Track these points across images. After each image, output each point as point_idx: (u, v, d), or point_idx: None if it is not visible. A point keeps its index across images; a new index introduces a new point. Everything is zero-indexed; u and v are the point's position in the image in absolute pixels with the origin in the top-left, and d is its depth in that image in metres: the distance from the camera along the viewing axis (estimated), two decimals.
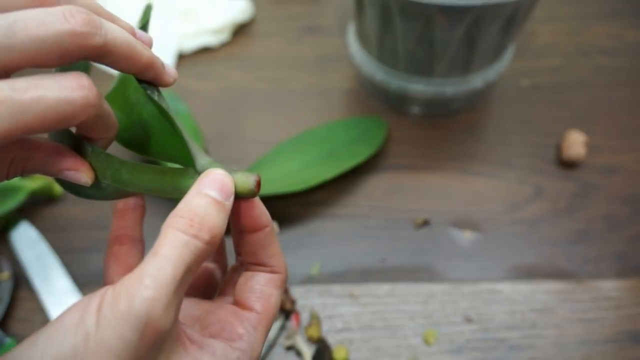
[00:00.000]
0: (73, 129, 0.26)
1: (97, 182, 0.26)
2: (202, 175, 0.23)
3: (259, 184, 0.25)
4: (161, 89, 0.26)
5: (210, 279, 0.34)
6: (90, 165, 0.25)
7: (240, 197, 0.25)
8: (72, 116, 0.20)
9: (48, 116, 0.19)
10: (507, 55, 0.56)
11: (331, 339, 0.44)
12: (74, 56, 0.20)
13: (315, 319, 0.45)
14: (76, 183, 0.25)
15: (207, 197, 0.22)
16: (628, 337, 0.44)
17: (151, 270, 0.19)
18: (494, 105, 0.61)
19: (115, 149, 0.29)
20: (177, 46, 0.65)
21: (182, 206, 0.22)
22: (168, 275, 0.19)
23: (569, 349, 0.44)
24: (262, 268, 0.27)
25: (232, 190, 0.23)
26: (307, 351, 0.43)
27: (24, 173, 0.24)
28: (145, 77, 0.24)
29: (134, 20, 0.66)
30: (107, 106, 0.24)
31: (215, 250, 0.23)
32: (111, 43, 0.21)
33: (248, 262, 0.27)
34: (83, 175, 0.25)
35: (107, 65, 0.22)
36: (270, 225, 0.27)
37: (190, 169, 0.25)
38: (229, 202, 0.23)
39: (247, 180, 0.24)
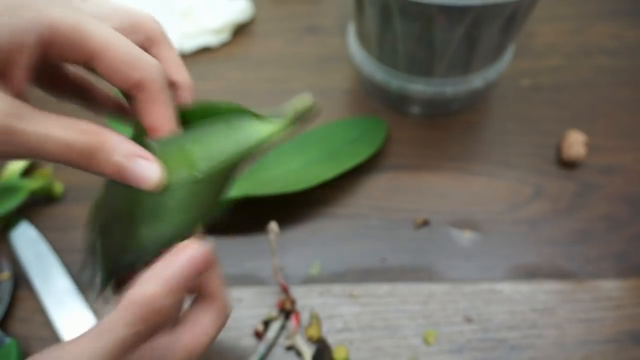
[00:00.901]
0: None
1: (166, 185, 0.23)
2: (177, 250, 0.22)
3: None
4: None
5: None
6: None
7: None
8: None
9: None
10: (507, 55, 0.56)
11: (331, 339, 0.44)
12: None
13: (315, 319, 0.45)
14: (142, 185, 0.22)
15: (171, 293, 0.22)
16: (628, 337, 0.44)
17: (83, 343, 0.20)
18: (494, 105, 0.61)
19: None
20: (177, 46, 0.65)
21: (139, 297, 0.21)
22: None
23: (570, 349, 0.44)
24: (204, 299, 0.26)
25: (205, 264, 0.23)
26: (307, 351, 0.43)
27: None
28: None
29: None
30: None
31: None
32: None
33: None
34: (155, 167, 0.22)
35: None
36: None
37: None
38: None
39: (302, 100, 0.25)
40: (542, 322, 0.45)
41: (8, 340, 0.42)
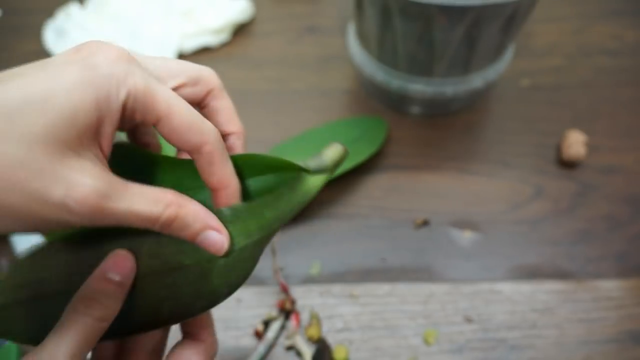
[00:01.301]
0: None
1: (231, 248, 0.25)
2: (107, 257, 0.24)
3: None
4: None
5: None
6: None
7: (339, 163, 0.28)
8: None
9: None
10: (507, 55, 0.56)
11: (331, 339, 0.44)
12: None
13: (315, 319, 0.45)
14: (211, 251, 0.24)
15: (107, 281, 0.24)
16: (629, 337, 0.44)
17: (48, 346, 0.22)
18: (494, 105, 0.61)
19: None
20: (177, 46, 0.65)
21: (84, 290, 0.24)
22: (62, 350, 0.22)
23: (570, 349, 0.44)
24: (190, 338, 0.28)
25: (130, 270, 0.24)
26: (307, 351, 0.43)
27: None
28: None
29: (134, 23, 0.66)
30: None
31: (109, 324, 0.24)
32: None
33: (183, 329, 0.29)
34: (224, 239, 0.25)
35: None
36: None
37: (301, 173, 0.27)
38: (127, 281, 0.24)
39: (336, 150, 0.28)
40: (542, 322, 0.45)
41: (8, 341, 0.42)
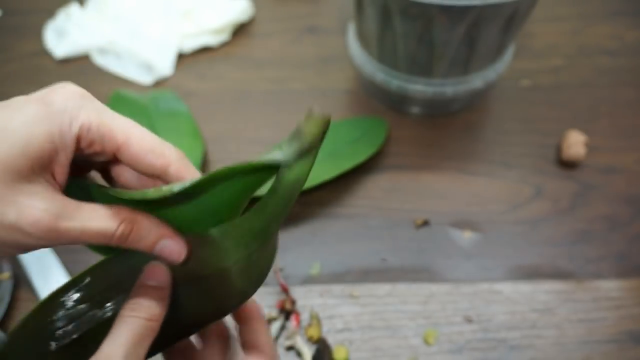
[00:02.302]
0: None
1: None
2: (144, 269, 0.26)
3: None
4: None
5: None
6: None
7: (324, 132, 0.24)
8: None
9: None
10: (507, 56, 0.56)
11: (331, 339, 0.44)
12: None
13: (315, 319, 0.45)
14: (170, 259, 0.25)
15: (147, 287, 0.26)
16: (629, 337, 0.44)
17: (105, 349, 0.24)
18: (494, 105, 0.61)
19: None
20: (177, 46, 0.65)
21: (130, 298, 0.26)
22: (118, 350, 0.24)
23: (570, 349, 0.44)
24: (251, 349, 0.31)
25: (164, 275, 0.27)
26: (307, 351, 0.43)
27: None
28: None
29: (135, 23, 0.66)
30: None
31: (159, 324, 0.26)
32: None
33: (243, 340, 0.32)
34: (181, 246, 0.26)
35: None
36: (259, 316, 0.32)
37: (272, 171, 0.25)
38: (164, 285, 0.27)
39: (316, 121, 0.24)
40: (542, 322, 0.45)
41: None
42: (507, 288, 0.47)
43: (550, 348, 0.44)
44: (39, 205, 0.21)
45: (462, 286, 0.47)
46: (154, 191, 0.24)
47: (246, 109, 0.60)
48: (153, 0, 0.68)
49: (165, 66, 0.63)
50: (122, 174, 0.27)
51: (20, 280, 0.47)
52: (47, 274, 0.47)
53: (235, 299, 0.28)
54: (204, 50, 0.66)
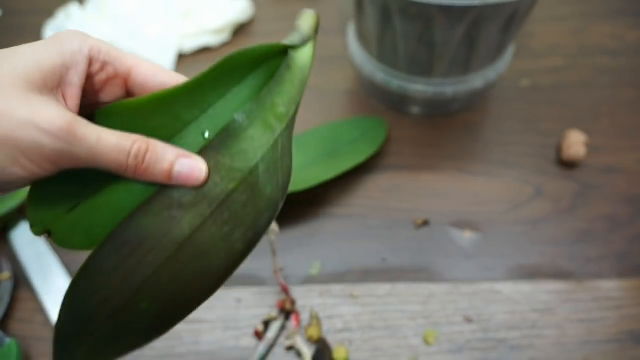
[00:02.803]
0: None
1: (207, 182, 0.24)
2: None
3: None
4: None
5: None
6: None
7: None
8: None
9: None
10: (507, 56, 0.56)
11: (331, 339, 0.44)
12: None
13: (315, 319, 0.45)
14: (190, 181, 0.24)
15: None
16: (629, 337, 0.44)
17: None
18: (494, 105, 0.61)
19: None
20: (177, 46, 0.65)
21: None
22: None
23: (570, 349, 0.44)
24: None
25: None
26: (307, 351, 0.43)
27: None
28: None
29: (136, 23, 0.66)
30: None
31: None
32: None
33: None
34: (201, 164, 0.24)
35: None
36: None
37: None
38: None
39: (309, 17, 0.28)
40: (542, 322, 0.45)
41: (8, 341, 0.42)
42: (508, 288, 0.47)
43: (550, 348, 0.44)
44: (53, 109, 0.21)
45: (462, 286, 0.47)
46: (167, 89, 0.25)
47: None
48: (153, 0, 0.68)
49: (165, 66, 0.63)
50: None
51: (20, 280, 0.47)
52: (47, 274, 0.47)
53: (266, 213, 0.26)
54: (204, 50, 0.66)
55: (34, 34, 0.68)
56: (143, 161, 0.23)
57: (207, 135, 0.27)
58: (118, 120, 0.25)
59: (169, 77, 0.26)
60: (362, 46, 0.57)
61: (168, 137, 0.26)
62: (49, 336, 0.44)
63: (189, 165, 0.24)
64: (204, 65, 0.65)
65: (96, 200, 0.26)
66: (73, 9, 0.68)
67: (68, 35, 0.24)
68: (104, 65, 0.25)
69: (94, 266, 0.24)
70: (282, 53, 0.27)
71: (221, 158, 0.25)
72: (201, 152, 0.25)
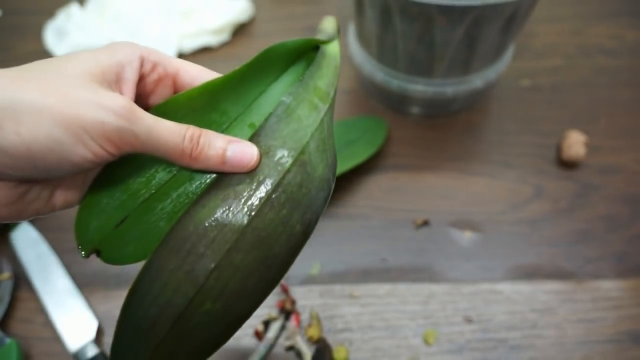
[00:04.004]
0: None
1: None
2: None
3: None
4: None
5: None
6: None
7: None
8: None
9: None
10: (507, 56, 0.56)
11: (331, 339, 0.44)
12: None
13: (315, 319, 0.45)
14: (243, 163, 0.25)
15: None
16: (628, 337, 0.44)
17: None
18: (494, 105, 0.61)
19: None
20: (177, 46, 0.65)
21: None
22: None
23: (569, 349, 0.44)
24: None
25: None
26: (307, 351, 0.43)
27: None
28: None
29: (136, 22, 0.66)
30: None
31: None
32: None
33: None
34: (253, 147, 0.25)
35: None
36: None
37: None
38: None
39: (330, 21, 0.31)
40: (542, 322, 0.45)
41: (8, 341, 0.42)
42: (507, 288, 0.47)
43: (550, 348, 0.44)
44: (114, 94, 0.23)
45: (462, 286, 0.47)
46: (217, 78, 0.27)
47: None
48: (153, 0, 0.68)
49: None
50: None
51: (20, 280, 0.47)
52: (47, 274, 0.47)
53: (322, 192, 0.27)
54: (204, 50, 0.66)
55: (34, 34, 0.68)
56: (197, 144, 0.25)
57: (254, 125, 0.28)
58: (170, 117, 0.25)
59: (213, 76, 0.28)
60: (362, 46, 0.57)
61: (217, 131, 0.27)
62: (49, 336, 0.44)
63: (241, 149, 0.25)
64: (204, 65, 0.65)
65: (144, 210, 0.26)
66: (73, 9, 0.68)
67: (121, 42, 0.26)
68: (155, 65, 0.27)
69: (153, 270, 0.24)
70: (313, 49, 0.30)
71: (272, 141, 0.26)
72: (252, 139, 0.26)
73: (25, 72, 0.22)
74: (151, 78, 0.27)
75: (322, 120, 0.27)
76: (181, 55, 0.65)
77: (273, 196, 0.25)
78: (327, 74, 0.29)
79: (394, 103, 0.59)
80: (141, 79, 0.26)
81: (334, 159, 0.28)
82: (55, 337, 0.44)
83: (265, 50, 0.28)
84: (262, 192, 0.24)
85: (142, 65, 0.26)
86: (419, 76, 0.54)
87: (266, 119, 0.27)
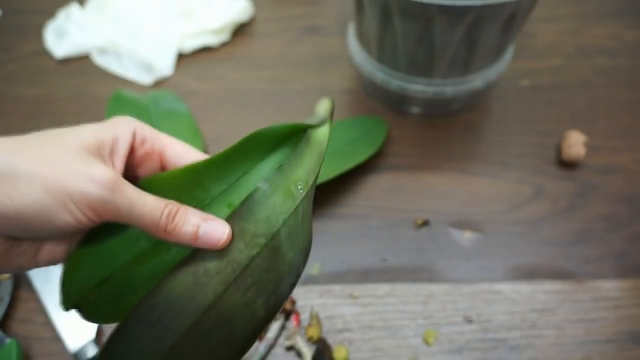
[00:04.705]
0: None
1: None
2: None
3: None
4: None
5: None
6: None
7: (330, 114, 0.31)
8: None
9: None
10: (507, 55, 0.56)
11: (331, 339, 0.44)
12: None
13: (315, 319, 0.45)
14: (214, 241, 0.25)
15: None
16: (628, 337, 0.44)
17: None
18: (494, 105, 0.61)
19: None
20: (177, 46, 0.65)
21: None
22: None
23: (569, 349, 0.44)
24: None
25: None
26: (307, 351, 0.43)
27: None
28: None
29: (136, 23, 0.66)
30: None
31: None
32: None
33: None
34: (225, 227, 0.26)
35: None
36: None
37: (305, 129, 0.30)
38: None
39: (326, 103, 0.31)
40: (541, 322, 0.45)
41: (8, 341, 0.42)
42: (507, 288, 0.47)
43: (550, 348, 0.44)
44: (104, 168, 0.25)
45: (462, 286, 0.47)
46: (202, 160, 0.28)
47: (246, 109, 0.60)
48: (153, 0, 0.68)
49: (165, 66, 0.63)
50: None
51: (20, 280, 0.47)
52: (47, 274, 0.47)
53: (288, 278, 0.28)
54: (204, 50, 0.66)
55: (34, 34, 0.68)
56: (173, 220, 0.26)
57: (232, 205, 0.29)
58: (154, 191, 0.27)
59: (198, 156, 0.30)
60: (362, 46, 0.57)
61: (198, 208, 0.28)
62: (49, 336, 0.44)
63: (214, 228, 0.26)
64: (204, 65, 0.66)
65: (124, 273, 0.28)
66: (73, 9, 0.68)
67: (121, 118, 0.29)
68: (144, 141, 0.29)
69: (123, 333, 0.25)
70: (301, 131, 0.30)
71: (246, 224, 0.26)
72: (227, 219, 0.26)
73: (28, 141, 0.25)
74: (139, 152, 0.29)
75: (296, 208, 0.28)
76: (181, 55, 0.66)
77: (240, 279, 0.26)
78: (308, 162, 0.29)
79: (394, 103, 0.59)
80: (131, 152, 0.28)
81: (308, 244, 0.29)
82: (55, 337, 0.44)
83: (252, 133, 0.28)
84: (229, 273, 0.26)
85: (134, 140, 0.28)
86: (419, 76, 0.54)
87: (243, 202, 0.27)
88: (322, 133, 0.30)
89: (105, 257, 0.28)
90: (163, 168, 0.30)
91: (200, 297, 0.25)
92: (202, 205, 0.29)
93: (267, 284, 0.27)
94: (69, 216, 0.24)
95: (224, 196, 0.29)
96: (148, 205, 0.25)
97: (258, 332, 0.27)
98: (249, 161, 0.29)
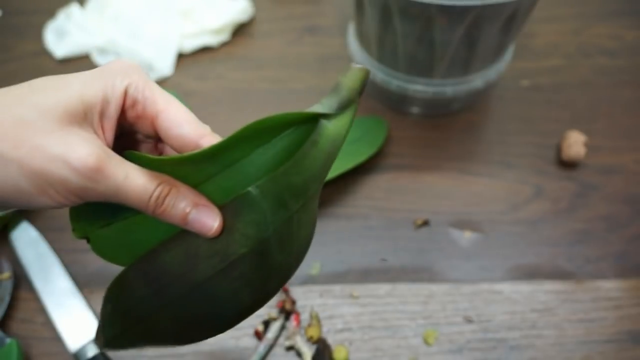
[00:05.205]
0: None
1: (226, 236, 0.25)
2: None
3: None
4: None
5: None
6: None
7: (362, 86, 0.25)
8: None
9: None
10: (507, 56, 0.56)
11: (331, 339, 0.44)
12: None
13: (315, 319, 0.45)
14: (202, 230, 0.25)
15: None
16: (628, 337, 0.44)
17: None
18: (494, 105, 0.61)
19: None
20: (177, 46, 0.65)
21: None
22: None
23: (569, 349, 0.44)
24: None
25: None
26: (307, 351, 0.43)
27: None
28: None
29: (135, 23, 0.66)
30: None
31: None
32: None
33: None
34: (215, 216, 0.25)
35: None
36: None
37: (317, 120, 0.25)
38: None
39: (355, 75, 0.25)
40: (542, 322, 0.45)
41: (9, 341, 0.42)
42: (507, 288, 0.47)
43: (550, 348, 0.44)
44: (87, 146, 0.23)
45: (462, 286, 0.47)
46: (192, 152, 0.25)
47: (246, 109, 0.60)
48: (153, 0, 0.68)
49: (165, 66, 0.63)
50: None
51: (20, 280, 0.47)
52: (47, 274, 0.47)
53: (276, 277, 0.26)
54: (204, 50, 0.66)
55: (34, 34, 0.68)
56: (162, 204, 0.24)
57: (228, 188, 0.26)
58: (146, 166, 0.25)
59: (193, 130, 0.26)
60: (362, 46, 0.57)
61: (192, 185, 0.26)
62: (49, 336, 0.44)
63: (205, 215, 0.25)
64: (204, 65, 0.66)
65: (128, 224, 0.27)
66: (73, 9, 0.68)
67: (115, 67, 0.26)
68: (135, 102, 0.26)
69: (124, 280, 0.26)
70: (311, 120, 0.25)
71: (236, 222, 0.25)
72: (220, 209, 0.25)
73: (7, 99, 0.23)
74: (130, 114, 0.26)
75: (290, 218, 0.25)
76: (181, 55, 0.66)
77: (228, 269, 0.25)
78: (310, 168, 0.25)
79: (394, 103, 0.59)
80: (123, 111, 0.26)
81: (304, 248, 0.27)
82: (55, 337, 0.44)
83: (255, 121, 0.25)
84: (217, 262, 0.25)
85: (124, 101, 0.26)
86: (419, 76, 0.54)
87: (235, 198, 0.25)
88: (338, 126, 0.25)
89: (109, 207, 0.26)
90: (157, 132, 0.27)
91: (188, 276, 0.25)
92: (197, 183, 0.26)
93: (254, 281, 0.26)
94: (50, 200, 0.23)
95: (222, 176, 0.26)
96: (136, 189, 0.24)
97: (244, 316, 0.27)
98: (250, 145, 0.26)
